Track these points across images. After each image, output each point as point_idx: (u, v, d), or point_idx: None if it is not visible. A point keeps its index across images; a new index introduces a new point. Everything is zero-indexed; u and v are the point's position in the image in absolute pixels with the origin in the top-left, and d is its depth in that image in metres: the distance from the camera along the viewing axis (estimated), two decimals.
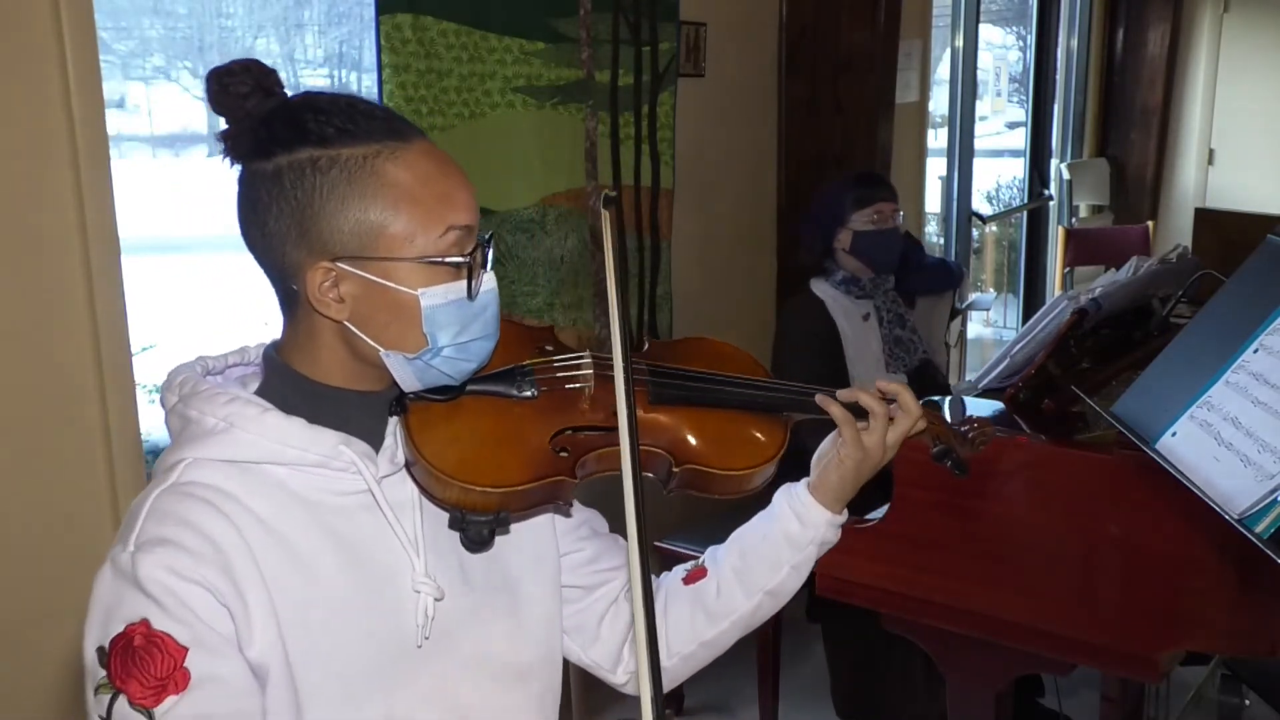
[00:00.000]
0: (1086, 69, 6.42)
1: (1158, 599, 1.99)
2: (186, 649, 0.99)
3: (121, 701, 0.98)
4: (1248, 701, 2.99)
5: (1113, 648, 2.03)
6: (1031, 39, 6.14)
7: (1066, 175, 6.37)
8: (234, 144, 1.07)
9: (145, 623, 0.99)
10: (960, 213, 5.39)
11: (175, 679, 0.99)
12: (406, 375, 1.09)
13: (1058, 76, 6.28)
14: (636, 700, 0.92)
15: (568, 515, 1.30)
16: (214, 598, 1.01)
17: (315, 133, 1.03)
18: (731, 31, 3.61)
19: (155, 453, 2.45)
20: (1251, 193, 6.17)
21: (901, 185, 3.37)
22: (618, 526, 1.06)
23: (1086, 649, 2.06)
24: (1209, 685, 3.14)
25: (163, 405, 1.14)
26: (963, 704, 2.27)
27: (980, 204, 6.04)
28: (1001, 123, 7.55)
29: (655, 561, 2.85)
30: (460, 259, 1.06)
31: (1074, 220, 6.46)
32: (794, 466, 1.31)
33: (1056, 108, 6.33)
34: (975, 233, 5.81)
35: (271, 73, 1.08)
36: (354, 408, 1.12)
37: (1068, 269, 6.03)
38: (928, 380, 3.03)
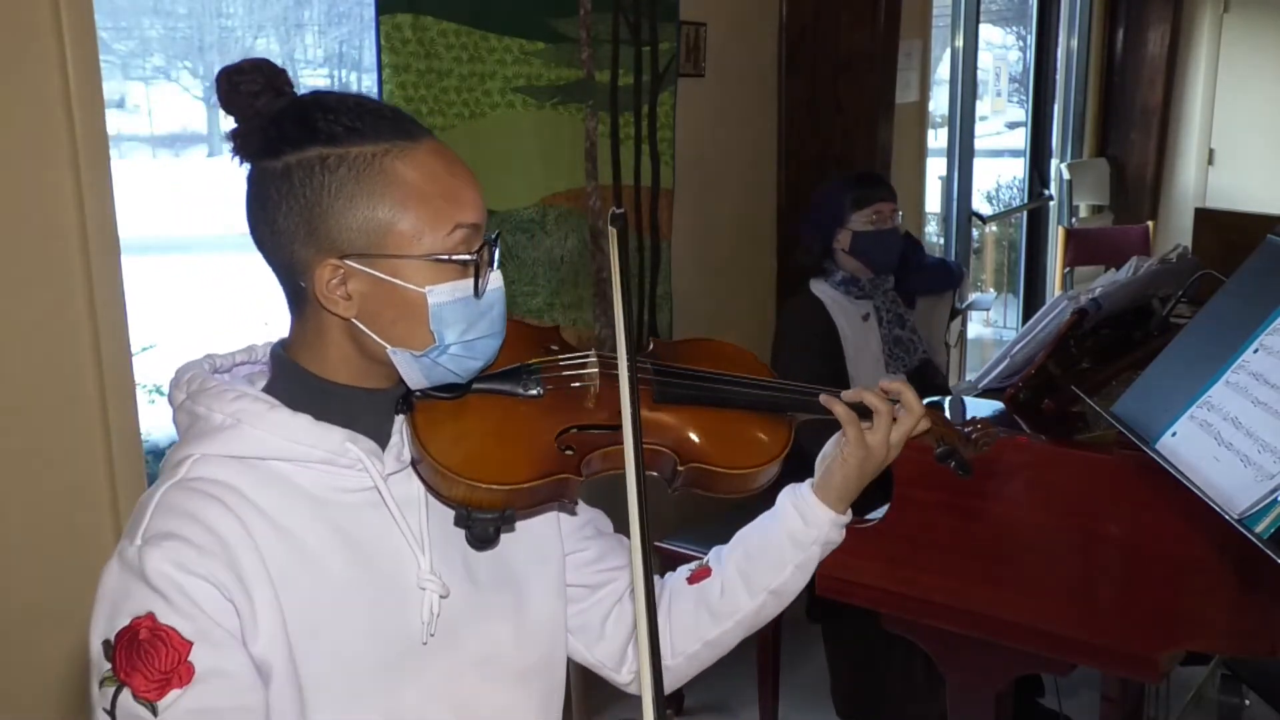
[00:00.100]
0: (1086, 69, 6.42)
1: (1158, 599, 1.99)
2: (191, 643, 1.00)
3: (125, 694, 0.99)
4: (1248, 701, 2.99)
5: (1113, 648, 2.03)
6: (1031, 39, 6.14)
7: (1066, 175, 6.37)
8: (244, 143, 1.08)
9: (151, 616, 1.00)
10: (960, 213, 5.39)
11: (179, 673, 0.99)
12: (413, 372, 1.10)
13: (1058, 76, 6.28)
14: (636, 700, 0.92)
15: (573, 514, 1.31)
16: (219, 592, 1.02)
17: (324, 131, 1.04)
18: (731, 31, 3.61)
19: (155, 452, 2.46)
20: (1251, 193, 6.17)
21: (901, 185, 3.37)
22: (621, 527, 1.06)
23: (1086, 649, 2.06)
24: (1209, 685, 3.14)
25: (170, 402, 1.14)
26: (963, 704, 2.27)
27: (980, 204, 6.05)
28: (1001, 123, 7.55)
29: (656, 562, 2.85)
30: (467, 257, 1.07)
31: (1074, 220, 6.46)
32: (795, 469, 1.32)
33: (1056, 108, 6.33)
34: (975, 233, 5.81)
35: (281, 72, 1.09)
36: (361, 405, 1.13)
37: (1068, 269, 6.03)
38: (927, 380, 3.03)
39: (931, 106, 4.90)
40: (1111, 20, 6.46)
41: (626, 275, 1.03)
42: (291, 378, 1.13)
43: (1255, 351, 1.21)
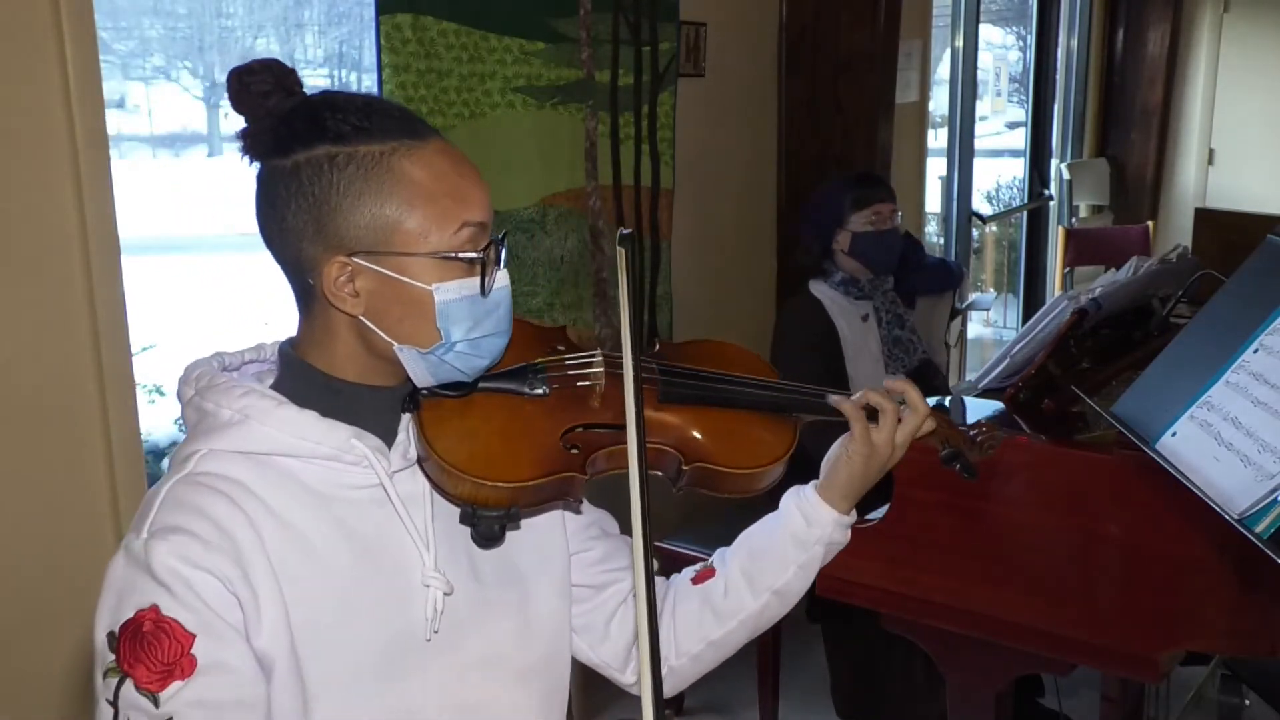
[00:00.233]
0: (1086, 69, 6.42)
1: (1158, 599, 1.99)
2: (194, 635, 1.01)
3: (128, 685, 1.00)
4: (1248, 701, 2.99)
5: (1113, 648, 2.03)
6: (1031, 39, 6.14)
7: (1066, 175, 6.37)
8: (253, 142, 1.09)
9: (155, 608, 1.00)
10: (960, 213, 5.39)
11: (182, 665, 1.00)
12: (420, 370, 1.11)
13: (1058, 76, 6.28)
14: (636, 700, 0.92)
15: (578, 512, 1.31)
16: (224, 586, 1.02)
17: (333, 130, 1.05)
18: (731, 31, 3.61)
19: (155, 453, 2.46)
20: (1251, 193, 6.17)
21: (901, 185, 3.38)
22: (626, 528, 1.06)
23: (1086, 649, 2.06)
24: (1209, 685, 3.14)
25: (179, 398, 1.15)
26: (963, 704, 2.27)
27: (980, 204, 6.05)
28: (1001, 123, 7.56)
29: (657, 562, 2.85)
30: (474, 255, 1.08)
31: (1074, 220, 6.46)
32: (799, 472, 1.32)
33: (1056, 108, 6.33)
34: (975, 233, 5.81)
35: (291, 72, 1.10)
36: (367, 403, 1.13)
37: (1068, 269, 6.03)
38: (927, 381, 3.03)
39: (931, 106, 4.90)
40: (1111, 20, 6.46)
41: (635, 296, 1.03)
42: (299, 375, 1.14)
43: (1255, 351, 1.21)
